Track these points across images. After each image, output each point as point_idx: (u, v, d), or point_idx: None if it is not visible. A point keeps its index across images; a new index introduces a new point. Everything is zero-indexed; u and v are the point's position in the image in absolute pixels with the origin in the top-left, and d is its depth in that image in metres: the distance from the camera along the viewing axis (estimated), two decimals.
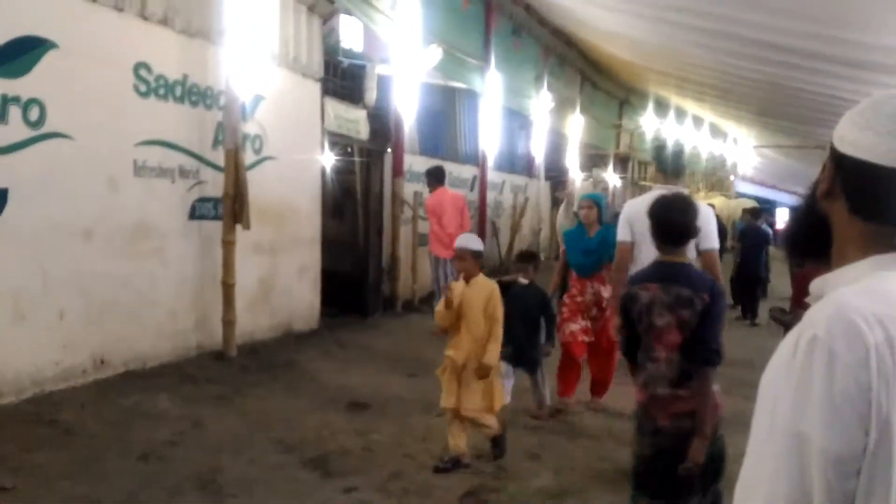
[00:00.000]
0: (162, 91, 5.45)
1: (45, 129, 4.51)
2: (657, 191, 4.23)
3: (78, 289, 4.81)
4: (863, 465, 0.99)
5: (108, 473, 3.68)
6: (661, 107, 19.00)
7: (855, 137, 1.14)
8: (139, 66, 5.24)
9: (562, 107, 14.12)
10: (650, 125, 19.09)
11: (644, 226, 3.85)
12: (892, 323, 1.02)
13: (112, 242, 5.08)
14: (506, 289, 4.84)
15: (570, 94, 14.83)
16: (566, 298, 5.35)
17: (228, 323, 5.89)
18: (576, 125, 14.99)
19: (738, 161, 25.94)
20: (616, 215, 8.25)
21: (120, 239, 5.15)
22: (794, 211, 1.34)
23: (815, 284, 1.18)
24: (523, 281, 5.03)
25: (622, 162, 19.53)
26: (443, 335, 4.25)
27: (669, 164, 4.45)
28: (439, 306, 4.09)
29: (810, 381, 1.01)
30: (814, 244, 1.24)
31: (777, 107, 12.70)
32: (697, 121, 21.37)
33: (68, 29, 4.64)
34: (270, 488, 3.74)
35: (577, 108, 15.12)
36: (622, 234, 4.39)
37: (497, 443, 4.31)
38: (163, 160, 5.49)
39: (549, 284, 5.67)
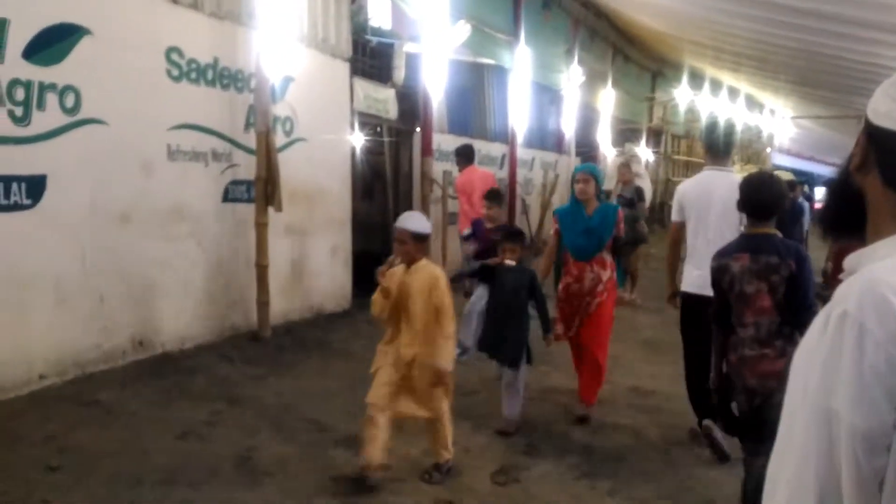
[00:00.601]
0: (193, 75, 5.50)
1: (80, 116, 4.60)
2: (707, 171, 4.39)
3: (117, 272, 4.93)
4: (893, 441, 0.99)
5: (148, 452, 3.79)
6: (696, 78, 18.59)
7: (889, 109, 1.12)
8: (171, 51, 5.29)
9: (593, 80, 13.91)
10: (684, 97, 18.71)
11: (697, 206, 4.27)
12: None
13: (148, 226, 5.18)
14: (490, 273, 4.61)
15: (602, 68, 14.59)
16: (560, 290, 4.81)
17: (262, 304, 5.99)
18: (607, 99, 14.78)
19: (774, 132, 25.32)
20: (626, 197, 8.34)
21: (156, 222, 5.25)
22: (829, 186, 1.32)
23: (850, 260, 1.17)
24: (510, 263, 4.44)
25: (655, 136, 19.22)
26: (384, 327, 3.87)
27: (721, 145, 4.43)
28: (375, 295, 3.70)
29: (840, 356, 1.00)
30: (849, 219, 1.23)
31: (815, 76, 12.35)
32: (733, 92, 20.87)
33: (101, 15, 4.70)
34: (305, 466, 3.82)
35: (609, 82, 14.89)
36: (675, 214, 4.56)
37: (438, 468, 3.76)
38: (196, 144, 5.56)
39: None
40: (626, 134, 18.03)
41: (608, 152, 15.74)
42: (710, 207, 4.19)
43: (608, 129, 15.12)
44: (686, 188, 4.48)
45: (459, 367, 5.59)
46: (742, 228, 3.52)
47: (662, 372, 5.91)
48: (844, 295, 1.05)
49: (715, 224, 4.12)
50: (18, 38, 4.19)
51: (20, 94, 4.23)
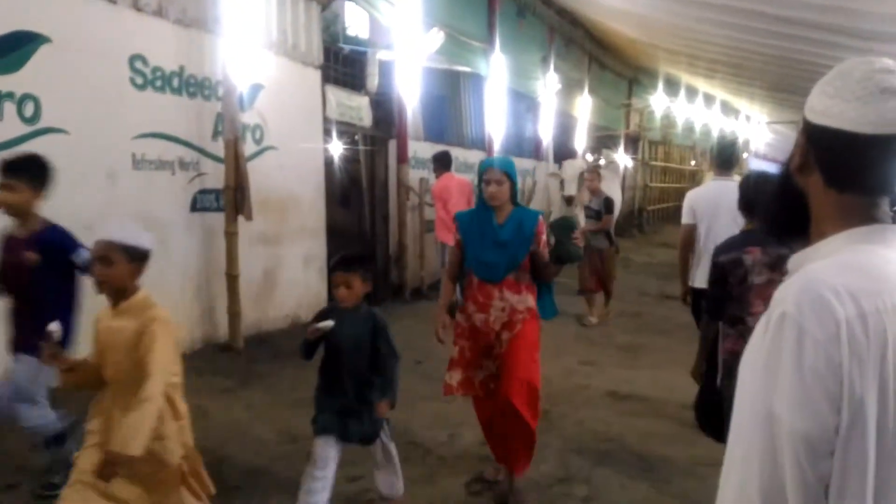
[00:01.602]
0: (158, 83, 5.41)
1: (40, 125, 4.50)
2: (715, 181, 5.03)
3: None
4: (836, 446, 0.94)
5: None
6: (672, 85, 18.74)
7: (825, 106, 1.09)
8: (134, 59, 5.20)
9: (569, 88, 13.96)
10: (660, 104, 18.86)
11: (708, 213, 4.78)
12: (866, 297, 0.97)
13: None
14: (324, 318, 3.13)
15: (578, 75, 14.66)
16: (458, 322, 3.73)
17: (234, 314, 5.88)
18: (584, 106, 14.84)
19: (750, 138, 25.60)
20: (570, 198, 8.17)
21: None
22: (772, 189, 1.29)
23: (793, 260, 1.13)
24: (345, 304, 3.13)
25: (632, 142, 19.33)
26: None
27: (728, 157, 5.09)
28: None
29: (779, 358, 0.97)
30: (793, 222, 1.19)
31: (790, 81, 12.48)
32: (709, 98, 21.08)
33: (61, 22, 4.60)
34: (275, 479, 3.73)
35: (586, 89, 14.95)
36: (686, 217, 5.01)
37: None
38: (162, 153, 5.46)
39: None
40: (603, 140, 18.11)
41: (583, 158, 15.85)
42: (718, 214, 4.67)
43: (586, 135, 15.17)
44: (697, 195, 5.04)
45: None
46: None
47: (639, 376, 5.89)
48: (784, 296, 1.02)
49: (724, 229, 4.33)
50: None
51: None
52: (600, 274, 7.82)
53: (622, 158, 18.63)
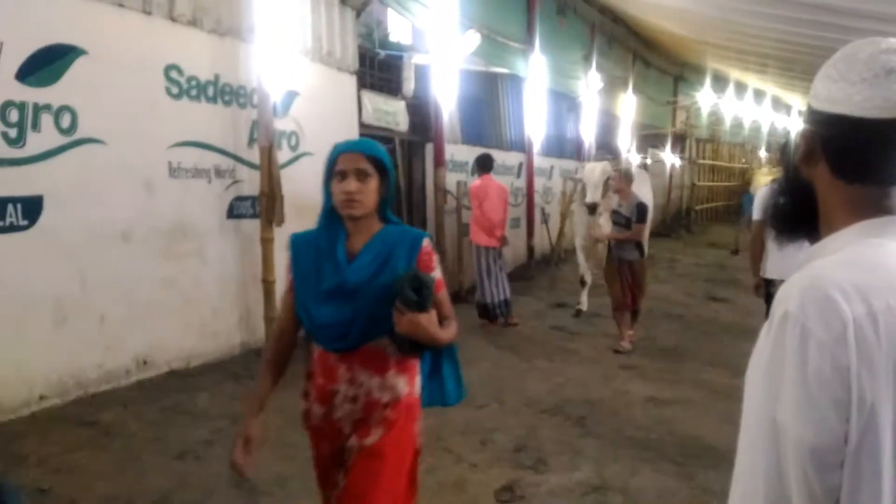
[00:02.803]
0: (194, 92, 5.49)
1: (77, 136, 4.60)
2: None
3: (118, 291, 4.90)
4: (846, 457, 0.85)
5: (144, 473, 3.72)
6: (720, 81, 18.30)
7: (830, 91, 1.00)
8: (170, 69, 5.28)
9: (612, 86, 13.73)
10: (707, 101, 18.41)
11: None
12: (875, 295, 0.87)
13: (151, 244, 5.15)
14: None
15: (621, 73, 14.41)
16: (302, 415, 2.33)
17: (270, 320, 5.91)
18: (628, 104, 14.58)
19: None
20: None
21: (159, 240, 5.22)
22: (776, 184, 1.19)
23: (802, 257, 1.04)
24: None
25: (679, 140, 18.93)
26: None
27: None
28: None
29: (782, 362, 0.89)
30: (800, 216, 1.10)
31: None
32: (759, 94, 20.51)
33: (96, 35, 4.70)
34: (305, 485, 3.69)
35: (629, 87, 14.69)
36: (757, 213, 5.26)
37: None
38: (198, 161, 5.54)
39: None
40: (649, 139, 17.78)
41: (632, 158, 15.56)
42: None
43: (630, 134, 14.90)
44: (767, 193, 5.04)
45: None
46: None
47: (681, 380, 5.71)
48: (787, 294, 0.93)
49: None
50: (11, 60, 4.20)
51: (14, 115, 4.23)
52: (632, 289, 6.82)
53: (668, 157, 18.27)
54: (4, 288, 4.21)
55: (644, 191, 8.53)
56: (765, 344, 0.94)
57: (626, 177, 6.90)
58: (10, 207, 4.22)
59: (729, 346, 6.92)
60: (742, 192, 22.27)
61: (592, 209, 7.47)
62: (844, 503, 0.85)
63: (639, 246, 6.80)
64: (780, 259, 4.92)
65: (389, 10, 9.28)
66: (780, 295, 0.94)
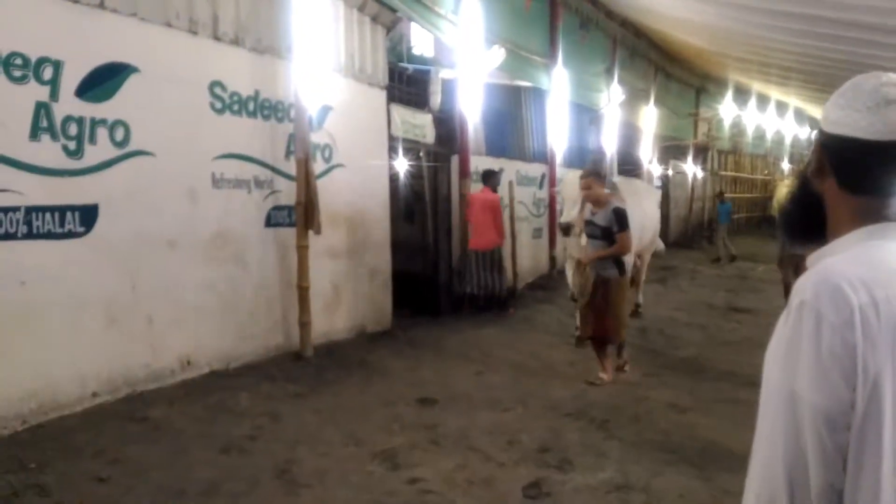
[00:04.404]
0: (236, 107, 5.77)
1: (130, 148, 4.89)
2: None
3: (165, 295, 5.17)
4: (853, 420, 1.05)
5: (193, 465, 3.96)
6: (742, 93, 18.40)
7: (838, 116, 1.21)
8: (214, 85, 5.57)
9: (634, 98, 13.91)
10: (729, 113, 18.51)
11: None
12: (877, 286, 1.08)
13: (195, 251, 5.43)
14: None
15: (643, 85, 14.59)
16: None
17: (304, 324, 6.17)
18: (650, 116, 14.74)
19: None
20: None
21: (202, 247, 5.49)
22: (789, 195, 1.41)
23: (812, 258, 1.25)
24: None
25: (701, 152, 19.01)
26: None
27: None
28: None
29: (800, 342, 1.09)
30: (811, 223, 1.31)
31: None
32: (781, 106, 20.55)
33: (148, 53, 5.00)
34: (342, 479, 3.93)
35: (651, 99, 14.85)
36: None
37: None
38: (239, 172, 5.81)
39: None
40: (671, 151, 17.90)
41: (654, 169, 15.69)
42: None
43: (652, 146, 15.05)
44: None
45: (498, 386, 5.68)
46: None
47: (702, 389, 5.85)
48: (803, 286, 1.14)
49: None
50: (72, 78, 4.50)
51: (73, 129, 4.53)
52: (601, 315, 5.69)
53: (690, 169, 18.36)
54: (62, 290, 4.49)
55: (646, 204, 7.99)
56: (783, 328, 1.14)
57: (596, 177, 5.67)
58: (68, 215, 4.51)
59: (749, 356, 7.03)
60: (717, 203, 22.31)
61: (566, 230, 6.45)
62: (851, 459, 1.06)
63: (618, 262, 5.64)
64: None
65: (412, 24, 9.56)
66: (797, 287, 1.14)
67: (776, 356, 1.15)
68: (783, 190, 19.16)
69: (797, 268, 8.25)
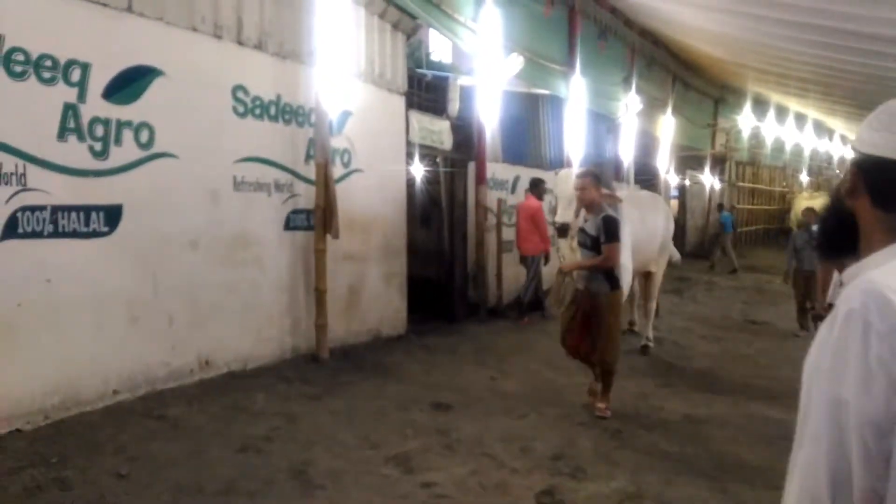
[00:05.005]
0: (258, 111, 5.85)
1: (154, 150, 4.97)
2: None
3: (185, 295, 5.25)
4: None
5: (210, 463, 4.01)
6: (760, 104, 18.30)
7: (873, 138, 1.27)
8: (237, 89, 5.66)
9: (652, 108, 13.89)
10: (748, 124, 18.43)
11: None
12: None
13: (215, 252, 5.50)
14: None
15: (661, 95, 14.57)
16: None
17: (321, 327, 6.23)
18: (667, 126, 14.71)
19: (846, 158, 24.51)
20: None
21: (222, 249, 5.57)
22: (824, 213, 1.47)
23: (849, 271, 1.31)
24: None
25: (719, 162, 18.94)
26: None
27: None
28: None
29: (847, 349, 1.13)
30: (845, 240, 1.36)
31: (883, 101, 12.02)
32: (800, 118, 20.43)
33: (173, 57, 5.09)
34: (356, 480, 3.96)
35: (669, 109, 14.83)
36: None
37: None
38: (260, 175, 5.89)
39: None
40: (688, 161, 17.85)
41: (670, 179, 15.66)
42: None
43: (669, 156, 15.02)
44: None
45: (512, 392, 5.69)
46: None
47: (717, 401, 5.84)
48: (849, 296, 1.18)
49: None
50: (99, 80, 4.60)
51: (100, 130, 4.62)
52: (587, 332, 5.17)
53: (707, 179, 18.29)
54: (85, 289, 4.57)
55: (652, 217, 7.41)
56: (828, 336, 1.18)
57: (592, 178, 5.15)
58: (93, 215, 4.59)
59: (765, 369, 7.02)
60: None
61: (562, 231, 5.78)
62: (895, 464, 1.08)
63: (609, 275, 5.10)
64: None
65: (432, 31, 9.63)
66: (843, 297, 1.18)
67: (821, 363, 1.20)
68: (802, 203, 19.21)
69: (807, 285, 8.25)
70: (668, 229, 7.81)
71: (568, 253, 5.89)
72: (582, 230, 5.19)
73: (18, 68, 4.18)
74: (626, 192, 7.98)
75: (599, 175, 5.34)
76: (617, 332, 5.24)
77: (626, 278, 6.10)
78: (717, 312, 10.33)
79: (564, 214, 5.73)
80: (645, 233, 7.09)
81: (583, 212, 5.27)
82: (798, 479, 1.19)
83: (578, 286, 5.16)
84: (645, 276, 7.71)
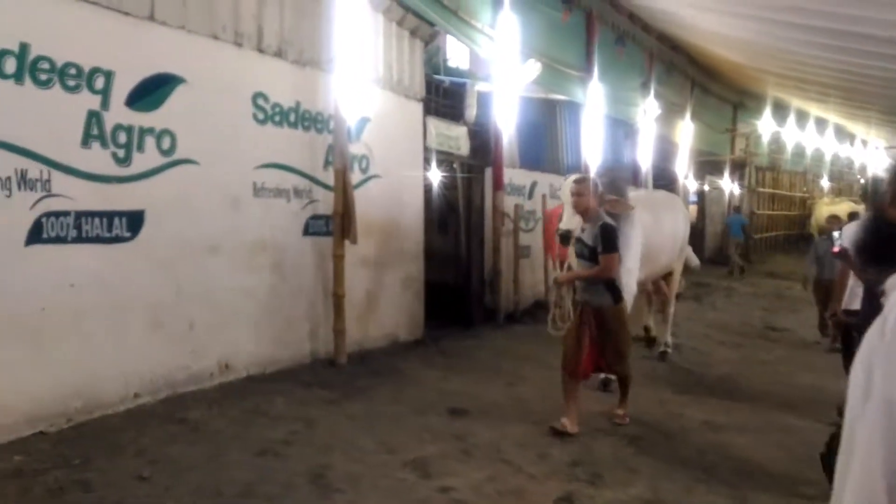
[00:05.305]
0: (277, 118, 5.91)
1: (175, 157, 5.04)
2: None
3: (206, 300, 5.31)
4: None
5: (229, 466, 4.05)
6: (780, 109, 18.16)
7: None
8: (257, 96, 5.72)
9: (670, 113, 13.84)
10: (767, 129, 18.29)
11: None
12: None
13: (235, 257, 5.56)
14: None
15: (679, 100, 14.50)
16: None
17: (339, 332, 6.27)
18: (686, 131, 14.64)
19: (867, 163, 24.26)
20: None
21: (242, 254, 5.62)
22: (864, 222, 1.50)
23: (891, 281, 1.33)
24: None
25: (739, 168, 18.80)
26: None
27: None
28: None
29: None
30: (885, 249, 1.39)
31: None
32: (821, 123, 20.23)
33: (194, 65, 5.16)
34: (374, 485, 3.98)
35: (688, 114, 14.76)
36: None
37: None
38: (279, 182, 5.95)
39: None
40: (707, 166, 17.75)
41: (689, 184, 15.58)
42: None
43: (687, 161, 14.95)
44: (851, 230, 5.14)
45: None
46: None
47: (736, 408, 5.79)
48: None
49: None
50: (122, 88, 4.67)
51: (122, 137, 4.70)
52: (596, 347, 4.93)
53: (727, 184, 18.17)
54: (108, 293, 4.64)
55: (670, 218, 7.15)
56: (878, 342, 1.21)
57: (590, 184, 4.87)
58: (116, 220, 4.66)
59: (785, 376, 6.95)
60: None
61: (565, 239, 5.28)
62: None
63: (611, 287, 4.86)
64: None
65: (450, 37, 9.67)
66: (890, 305, 1.22)
67: (871, 367, 1.22)
68: (822, 208, 19.07)
69: (827, 294, 8.03)
70: (686, 231, 7.63)
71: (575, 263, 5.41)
72: (579, 240, 4.94)
73: (44, 76, 4.26)
74: (642, 193, 7.76)
75: (602, 182, 5.13)
76: (627, 342, 5.11)
77: (631, 284, 5.96)
78: (736, 319, 10.25)
79: (570, 221, 5.33)
80: (661, 235, 6.86)
81: (580, 220, 5.02)
82: (853, 485, 1.21)
83: (578, 299, 4.92)
84: (662, 280, 7.51)
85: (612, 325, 4.89)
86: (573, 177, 5.42)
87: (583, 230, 4.92)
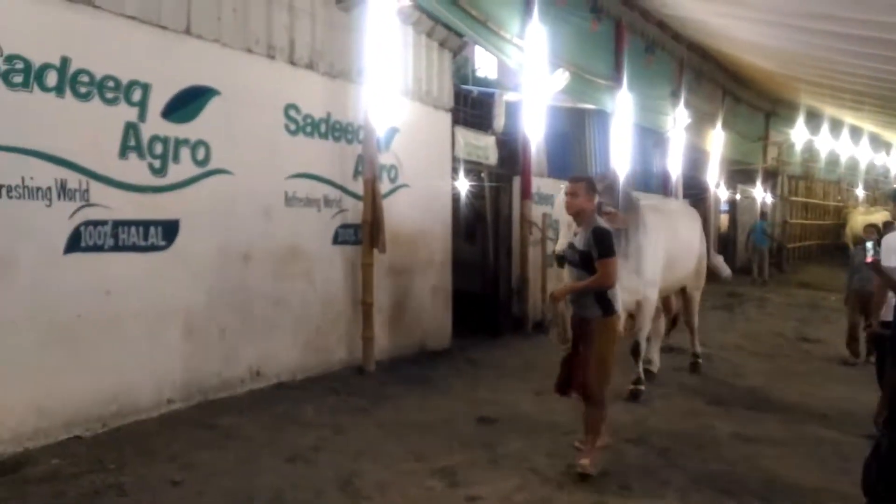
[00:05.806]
0: (309, 129, 6.01)
1: (210, 167, 5.16)
2: None
3: (238, 307, 5.40)
4: None
5: (260, 472, 4.11)
6: (813, 117, 17.87)
7: None
8: (289, 108, 5.82)
9: (701, 122, 13.70)
10: (800, 137, 18.01)
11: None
12: None
13: (267, 266, 5.65)
14: None
15: (710, 109, 14.34)
16: None
17: (368, 340, 6.32)
18: (717, 140, 14.48)
19: None
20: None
21: (274, 262, 5.71)
22: None
23: None
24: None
25: (771, 177, 18.53)
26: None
27: None
28: None
29: None
30: None
31: None
32: (856, 131, 19.86)
33: (228, 77, 5.27)
34: (402, 492, 4.00)
35: (719, 123, 14.59)
36: (888, 260, 4.73)
37: None
38: (310, 191, 6.03)
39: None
40: (738, 175, 17.52)
41: (721, 193, 15.40)
42: None
43: (718, 170, 14.78)
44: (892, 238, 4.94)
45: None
46: None
47: (768, 419, 5.71)
48: None
49: None
50: (158, 100, 4.80)
51: (159, 148, 4.82)
52: (580, 364, 4.34)
53: (759, 193, 17.92)
54: (143, 301, 4.75)
55: (687, 228, 6.89)
56: None
57: (586, 184, 4.33)
58: (152, 229, 4.78)
59: (818, 387, 6.82)
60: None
61: (561, 261, 4.75)
62: None
63: (601, 298, 4.27)
64: None
65: (477, 47, 9.73)
66: None
67: None
68: (857, 217, 18.74)
69: (864, 306, 7.70)
70: (702, 246, 7.30)
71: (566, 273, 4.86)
72: (571, 245, 4.39)
73: (83, 89, 4.39)
74: (655, 201, 7.46)
75: (605, 187, 4.80)
76: (608, 360, 4.34)
77: (652, 297, 5.94)
78: (769, 329, 10.09)
79: (566, 241, 4.61)
80: (679, 246, 6.59)
81: (573, 227, 4.47)
82: None
83: (569, 313, 4.47)
84: (682, 292, 7.22)
85: (596, 339, 4.26)
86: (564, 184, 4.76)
87: (575, 234, 4.39)
